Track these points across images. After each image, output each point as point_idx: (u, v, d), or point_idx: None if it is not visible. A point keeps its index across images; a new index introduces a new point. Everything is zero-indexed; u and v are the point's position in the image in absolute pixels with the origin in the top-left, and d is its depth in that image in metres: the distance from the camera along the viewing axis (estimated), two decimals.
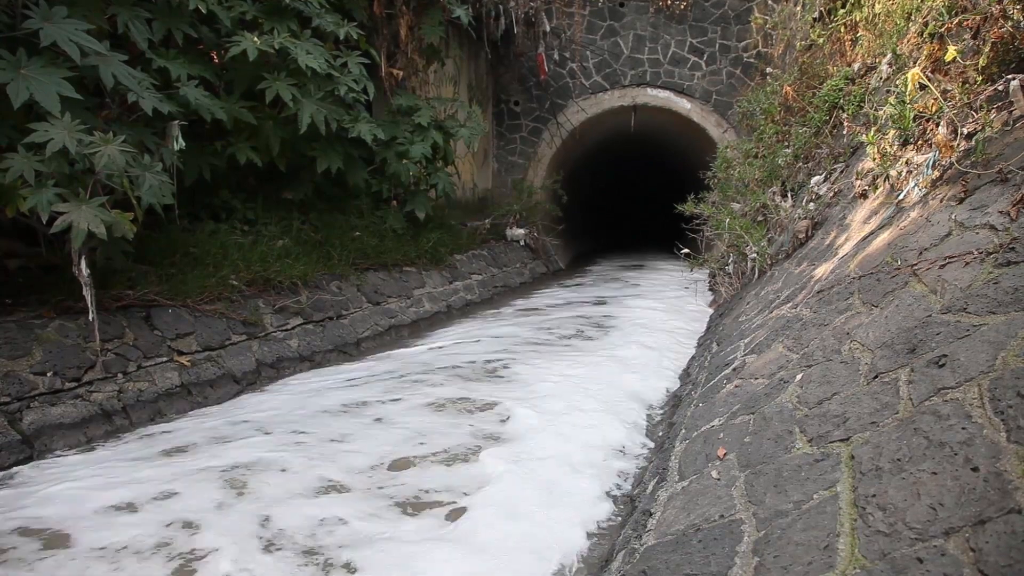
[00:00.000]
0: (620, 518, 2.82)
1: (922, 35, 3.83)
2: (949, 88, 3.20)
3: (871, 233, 3.48)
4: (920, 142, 3.26)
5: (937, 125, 3.01)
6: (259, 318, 5.28)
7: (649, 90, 12.38)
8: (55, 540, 2.69)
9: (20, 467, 3.36)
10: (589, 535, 2.68)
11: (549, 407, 4.11)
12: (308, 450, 3.54)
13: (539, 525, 2.69)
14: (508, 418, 3.99)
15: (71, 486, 3.12)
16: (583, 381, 4.70)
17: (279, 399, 4.55)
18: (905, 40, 4.36)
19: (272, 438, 3.74)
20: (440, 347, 6.10)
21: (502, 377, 5.00)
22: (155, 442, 3.73)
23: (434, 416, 4.10)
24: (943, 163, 2.95)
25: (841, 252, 3.80)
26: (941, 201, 2.83)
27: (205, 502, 2.94)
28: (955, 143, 2.88)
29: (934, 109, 3.11)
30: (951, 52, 3.10)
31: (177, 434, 3.85)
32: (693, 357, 5.38)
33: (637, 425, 3.95)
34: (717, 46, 12.04)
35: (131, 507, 2.92)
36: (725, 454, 2.37)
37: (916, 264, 2.53)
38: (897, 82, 3.70)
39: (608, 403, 4.21)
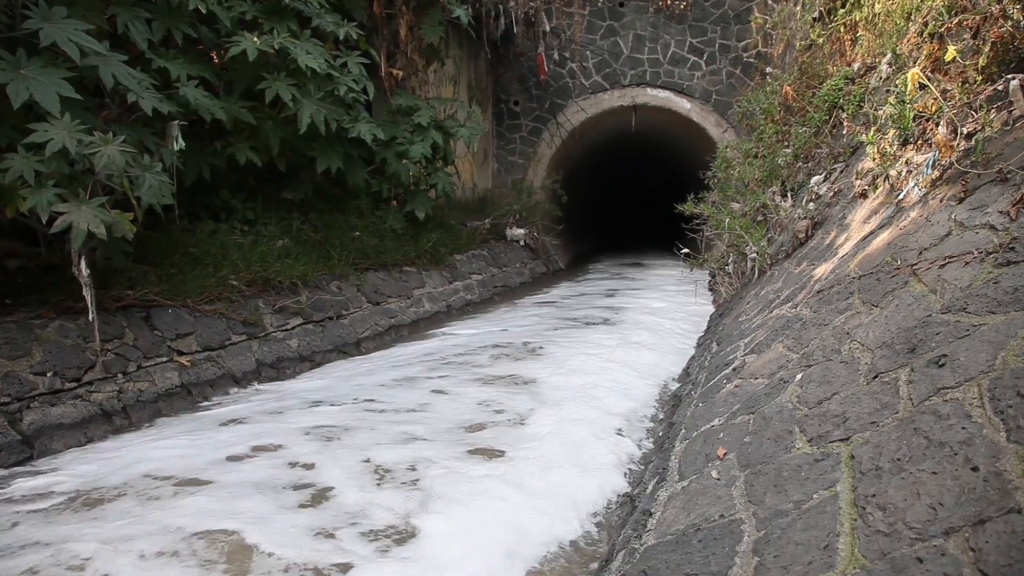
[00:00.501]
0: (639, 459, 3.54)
1: (922, 35, 3.84)
2: (949, 88, 3.20)
3: (871, 233, 3.48)
4: (920, 142, 3.26)
5: (937, 125, 3.01)
6: (259, 318, 5.28)
7: (649, 90, 12.39)
8: (189, 482, 3.12)
9: (100, 442, 3.74)
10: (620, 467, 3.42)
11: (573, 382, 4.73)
12: (385, 415, 4.14)
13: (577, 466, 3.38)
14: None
15: (170, 447, 3.59)
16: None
17: (326, 380, 5.07)
18: (905, 40, 4.36)
19: (345, 408, 4.28)
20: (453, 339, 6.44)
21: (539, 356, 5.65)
22: (221, 416, 4.16)
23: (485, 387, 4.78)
24: (943, 163, 2.95)
25: (841, 252, 3.80)
26: (941, 201, 2.83)
27: (309, 450, 3.50)
28: (955, 143, 2.88)
29: (934, 109, 3.11)
30: (951, 52, 3.10)
31: (239, 409, 4.30)
32: (693, 357, 5.38)
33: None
34: (717, 46, 12.04)
35: (245, 458, 3.44)
36: (725, 454, 2.37)
37: (916, 264, 2.53)
38: (897, 82, 3.70)
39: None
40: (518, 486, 3.09)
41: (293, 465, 3.33)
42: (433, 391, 4.63)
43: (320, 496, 3.01)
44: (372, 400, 4.43)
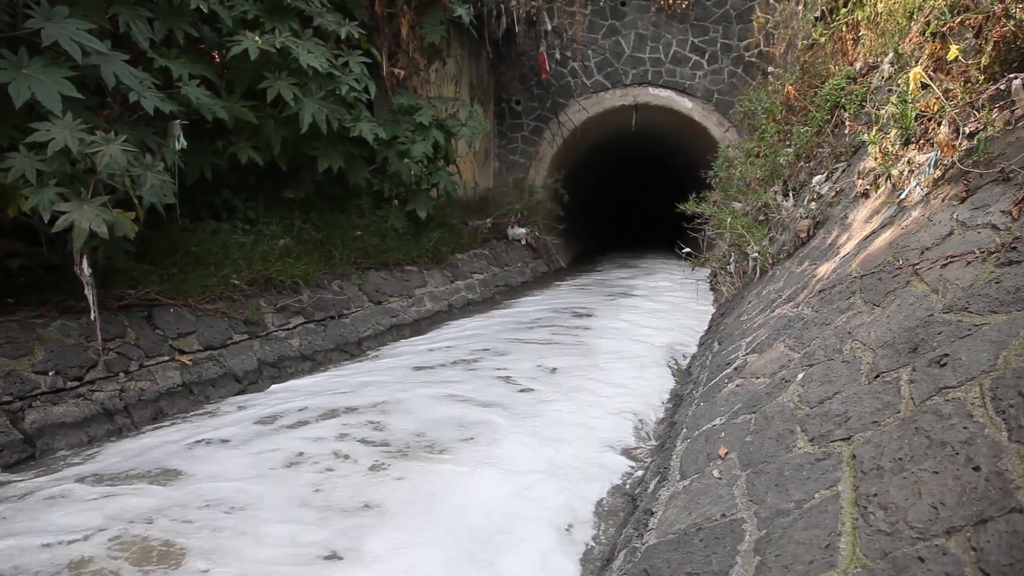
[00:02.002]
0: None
1: (924, 34, 3.83)
2: (951, 87, 3.20)
3: (873, 232, 3.48)
4: (922, 141, 3.25)
5: (939, 124, 3.01)
6: (260, 317, 5.29)
7: (650, 89, 12.38)
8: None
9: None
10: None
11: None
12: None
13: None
14: None
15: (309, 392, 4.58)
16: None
17: (403, 359, 5.65)
18: (907, 39, 4.35)
19: (453, 368, 5.27)
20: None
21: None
22: (297, 394, 4.59)
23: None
24: (945, 162, 2.95)
25: (843, 251, 3.80)
26: (943, 200, 2.82)
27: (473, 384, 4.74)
28: (957, 142, 2.88)
29: (936, 108, 3.11)
30: (953, 51, 3.10)
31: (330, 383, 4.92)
32: (694, 356, 5.38)
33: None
34: (719, 45, 12.04)
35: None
36: (727, 453, 2.37)
37: (918, 263, 2.53)
38: (899, 81, 3.69)
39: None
40: None
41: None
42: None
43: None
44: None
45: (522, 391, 4.61)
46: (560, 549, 2.53)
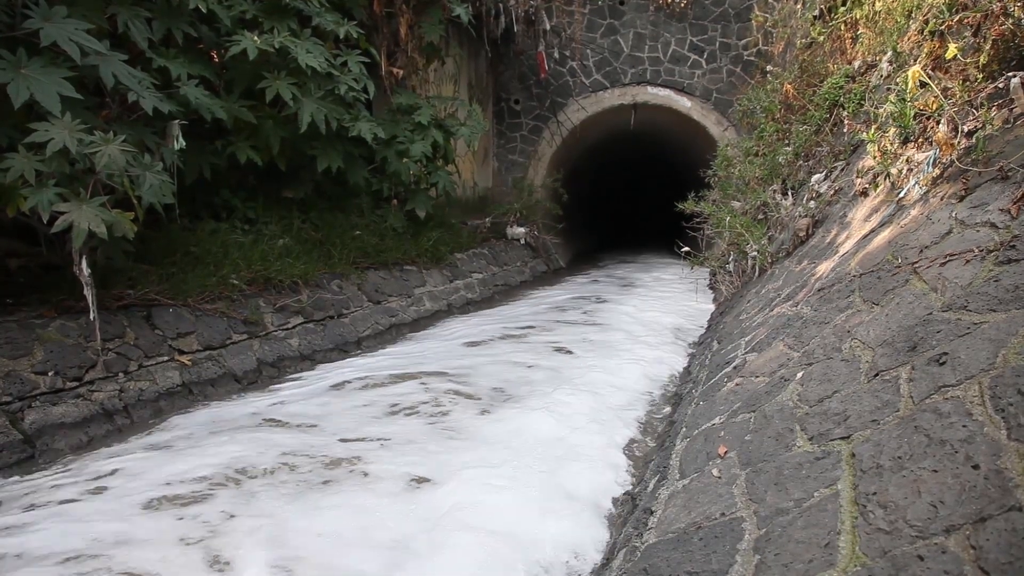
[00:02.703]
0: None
1: (923, 33, 3.83)
2: (950, 86, 3.20)
3: (872, 231, 3.48)
4: (921, 140, 3.25)
5: (938, 123, 3.01)
6: (260, 317, 5.29)
7: (649, 88, 12.38)
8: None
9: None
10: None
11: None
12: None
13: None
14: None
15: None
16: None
17: (433, 342, 6.32)
18: (906, 38, 4.35)
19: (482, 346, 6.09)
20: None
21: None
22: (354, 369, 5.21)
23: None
24: (944, 161, 2.95)
25: (842, 250, 3.80)
26: (942, 199, 2.83)
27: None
28: (956, 141, 2.88)
29: (935, 107, 3.11)
30: (952, 50, 3.10)
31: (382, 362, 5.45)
32: (693, 356, 5.38)
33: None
34: (717, 44, 12.04)
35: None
36: (726, 452, 2.37)
37: (917, 262, 2.53)
38: (898, 80, 3.69)
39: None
40: None
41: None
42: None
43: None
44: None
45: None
46: (605, 461, 3.44)
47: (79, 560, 2.44)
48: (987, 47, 3.07)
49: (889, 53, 5.04)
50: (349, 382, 4.77)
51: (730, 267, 6.67)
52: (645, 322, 7.21)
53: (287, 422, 3.97)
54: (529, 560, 2.46)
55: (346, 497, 2.97)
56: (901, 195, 3.29)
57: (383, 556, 2.49)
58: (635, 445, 3.72)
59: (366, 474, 3.22)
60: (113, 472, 3.24)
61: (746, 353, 3.49)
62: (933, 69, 3.39)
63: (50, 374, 3.75)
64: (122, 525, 2.68)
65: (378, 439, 3.68)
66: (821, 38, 7.67)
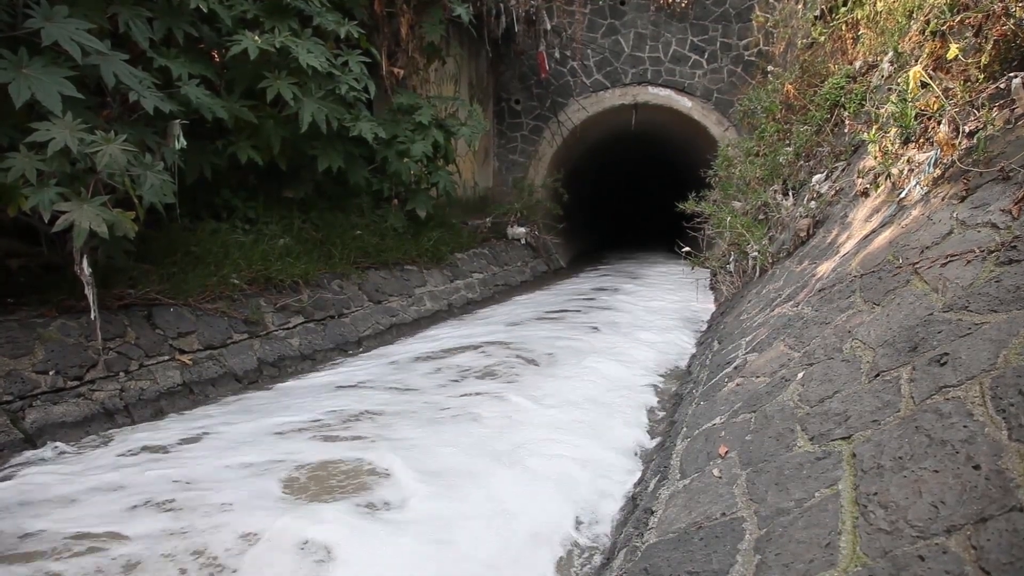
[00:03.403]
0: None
1: (924, 33, 3.83)
2: (951, 86, 3.20)
3: (872, 231, 3.48)
4: (922, 140, 3.25)
5: (939, 123, 3.01)
6: (260, 317, 5.29)
7: (650, 88, 12.37)
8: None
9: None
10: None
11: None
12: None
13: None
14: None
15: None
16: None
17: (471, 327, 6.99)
18: (907, 38, 4.35)
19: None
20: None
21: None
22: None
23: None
24: (945, 161, 2.95)
25: (842, 250, 3.80)
26: (943, 199, 2.83)
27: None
28: (957, 141, 2.88)
29: (936, 107, 3.11)
30: (953, 50, 3.10)
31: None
32: (694, 355, 5.38)
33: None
34: (718, 44, 12.03)
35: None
36: (727, 452, 2.37)
37: (918, 262, 2.53)
38: (899, 80, 3.69)
39: None
40: None
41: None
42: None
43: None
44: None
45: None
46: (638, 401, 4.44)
47: (273, 461, 3.32)
48: (988, 47, 3.07)
49: (890, 53, 5.04)
50: (395, 361, 5.51)
51: (731, 267, 6.67)
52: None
53: (377, 384, 4.78)
54: (605, 444, 3.63)
55: (460, 427, 3.85)
56: (902, 195, 3.28)
57: (499, 458, 3.34)
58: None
59: (471, 412, 4.10)
60: (249, 411, 4.24)
61: (747, 353, 3.49)
62: (934, 69, 3.38)
63: (51, 373, 3.75)
64: (291, 444, 3.56)
65: (465, 393, 4.51)
66: (822, 38, 7.67)
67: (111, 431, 3.81)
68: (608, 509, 2.89)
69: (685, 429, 3.03)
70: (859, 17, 6.69)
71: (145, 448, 3.54)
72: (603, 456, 3.43)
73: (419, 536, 2.56)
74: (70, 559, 2.44)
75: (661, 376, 5.12)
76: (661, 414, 4.22)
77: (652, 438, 3.77)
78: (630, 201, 22.19)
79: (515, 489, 2.97)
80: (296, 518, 2.63)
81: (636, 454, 3.54)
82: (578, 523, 2.77)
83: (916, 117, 3.22)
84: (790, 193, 6.47)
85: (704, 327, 6.59)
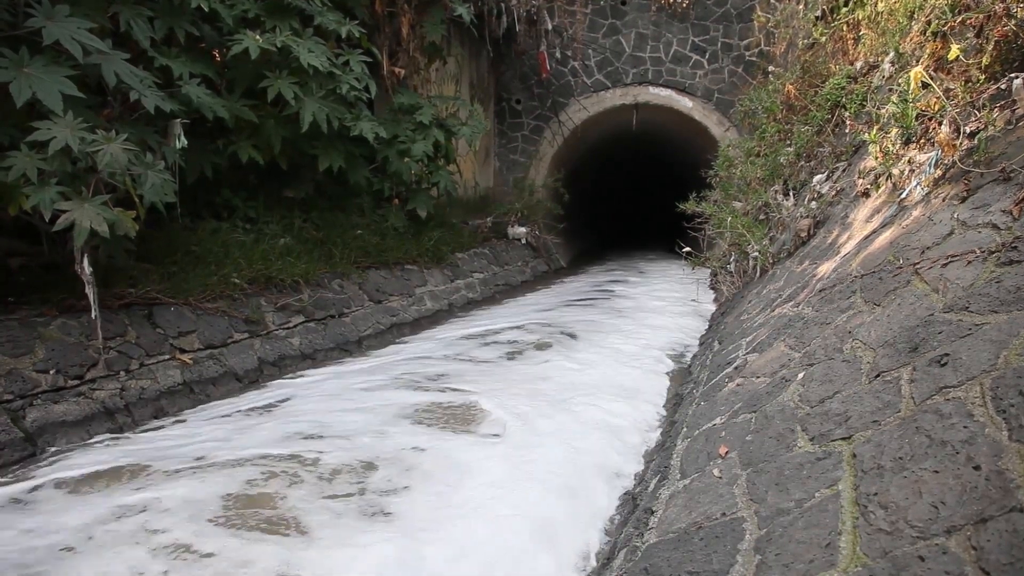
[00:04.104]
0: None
1: (925, 33, 3.83)
2: (952, 87, 3.20)
3: (873, 232, 3.48)
4: (922, 141, 3.25)
5: (940, 124, 3.01)
6: (261, 316, 5.29)
7: (651, 88, 12.37)
8: None
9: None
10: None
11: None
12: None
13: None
14: None
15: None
16: None
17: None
18: (908, 38, 4.35)
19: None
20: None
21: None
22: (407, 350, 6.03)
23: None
24: (945, 162, 2.95)
25: (843, 251, 3.80)
26: (943, 200, 2.83)
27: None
28: (957, 142, 2.88)
29: (936, 108, 3.11)
30: (954, 50, 3.10)
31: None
32: (695, 355, 5.38)
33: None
34: (719, 44, 12.03)
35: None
36: (727, 452, 2.37)
37: (918, 263, 2.53)
38: (900, 81, 3.69)
39: None
40: None
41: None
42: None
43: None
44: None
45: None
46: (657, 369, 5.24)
47: (383, 406, 4.14)
48: (989, 48, 3.07)
49: (891, 54, 5.04)
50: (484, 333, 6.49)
51: (731, 267, 6.67)
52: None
53: (447, 355, 5.60)
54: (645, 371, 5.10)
55: (543, 368, 5.14)
56: (903, 196, 3.28)
57: (581, 389, 4.53)
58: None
59: (546, 359, 5.44)
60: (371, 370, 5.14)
61: (747, 353, 3.49)
62: (935, 70, 3.38)
63: (51, 372, 3.75)
64: (391, 394, 4.39)
65: (530, 361, 5.45)
66: (823, 38, 7.67)
67: (184, 411, 4.26)
68: (635, 440, 3.74)
69: (685, 429, 3.03)
70: (860, 17, 6.69)
71: (252, 408, 4.21)
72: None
73: (520, 451, 3.41)
74: (277, 462, 3.19)
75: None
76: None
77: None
78: (631, 201, 22.18)
79: (590, 415, 4.01)
80: (435, 439, 3.54)
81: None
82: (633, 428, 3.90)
83: (917, 118, 3.23)
84: (791, 193, 6.47)
85: (705, 327, 6.59)
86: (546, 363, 5.29)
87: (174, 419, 4.08)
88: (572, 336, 6.33)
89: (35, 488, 2.99)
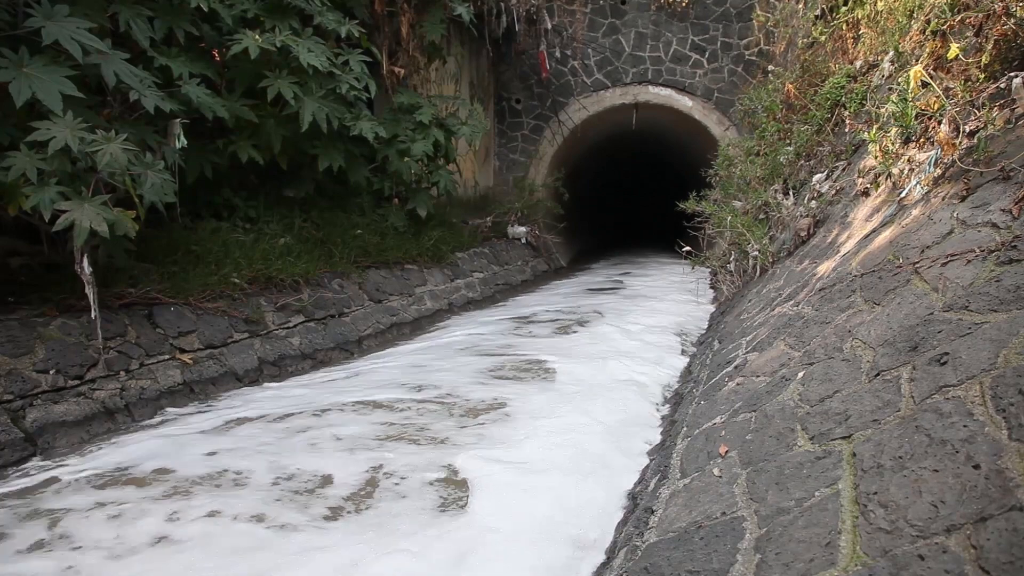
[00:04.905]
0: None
1: (924, 32, 3.83)
2: (951, 86, 3.20)
3: (873, 231, 3.48)
4: (922, 140, 3.25)
5: (939, 123, 3.01)
6: (261, 316, 5.29)
7: (651, 88, 12.37)
8: None
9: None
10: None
11: None
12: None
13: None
14: None
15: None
16: None
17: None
18: (907, 37, 4.35)
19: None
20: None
21: None
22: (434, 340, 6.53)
23: None
24: (945, 161, 2.95)
25: (843, 250, 3.80)
26: (943, 199, 2.83)
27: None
28: (957, 141, 2.88)
29: (936, 107, 3.11)
30: (953, 50, 3.10)
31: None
32: (695, 355, 5.38)
33: None
34: (719, 44, 12.02)
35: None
36: (727, 451, 2.37)
37: (918, 262, 2.53)
38: (899, 80, 3.69)
39: None
40: None
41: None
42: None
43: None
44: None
45: None
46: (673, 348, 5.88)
47: (461, 364, 5.31)
48: (989, 47, 3.07)
49: (891, 53, 5.04)
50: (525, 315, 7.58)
51: (731, 267, 6.67)
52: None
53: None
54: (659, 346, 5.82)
55: (572, 340, 6.17)
56: (902, 195, 3.28)
57: (611, 353, 5.44)
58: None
59: (575, 330, 6.61)
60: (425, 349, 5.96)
61: (747, 353, 3.50)
62: (935, 69, 3.39)
63: (51, 372, 3.75)
64: (466, 358, 5.52)
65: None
66: (823, 38, 7.67)
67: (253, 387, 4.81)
68: (659, 389, 4.61)
69: (685, 428, 3.03)
70: (860, 16, 6.69)
71: (344, 372, 5.22)
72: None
73: (577, 396, 4.32)
74: (385, 395, 4.37)
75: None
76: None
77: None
78: (631, 200, 22.18)
79: (622, 370, 4.94)
80: (514, 384, 4.71)
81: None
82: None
83: (917, 117, 3.23)
84: (791, 192, 6.47)
85: (704, 328, 6.59)
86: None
87: (293, 382, 5.00)
88: (580, 323, 6.97)
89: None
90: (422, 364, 5.27)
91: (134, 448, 3.50)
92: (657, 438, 3.59)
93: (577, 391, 4.41)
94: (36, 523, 2.77)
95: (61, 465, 3.32)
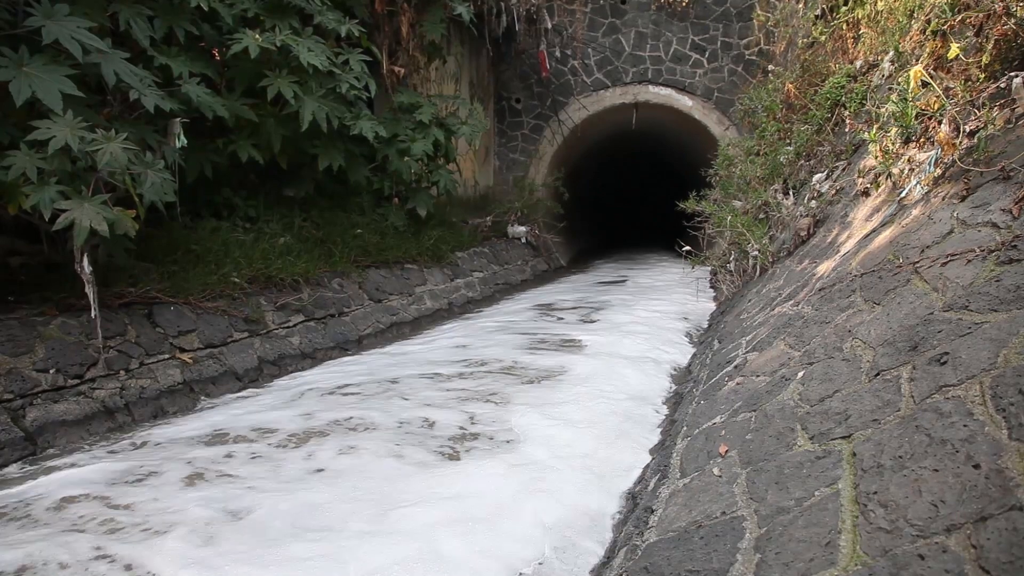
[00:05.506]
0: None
1: (925, 32, 3.83)
2: (951, 85, 3.20)
3: (873, 231, 3.48)
4: (922, 140, 3.25)
5: (939, 123, 3.01)
6: (261, 315, 5.29)
7: (651, 87, 12.37)
8: None
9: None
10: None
11: None
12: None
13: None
14: None
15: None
16: None
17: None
18: (907, 37, 4.35)
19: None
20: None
21: None
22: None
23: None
24: (945, 161, 2.95)
25: (843, 250, 3.80)
26: (943, 199, 2.83)
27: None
28: (957, 141, 2.88)
29: (936, 107, 3.11)
30: (954, 49, 3.10)
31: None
32: (695, 355, 5.38)
33: None
34: (719, 43, 12.02)
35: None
36: (727, 451, 2.37)
37: (918, 262, 2.53)
38: (899, 80, 3.69)
39: None
40: None
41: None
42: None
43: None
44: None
45: None
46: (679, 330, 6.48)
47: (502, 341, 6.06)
48: (989, 47, 3.07)
49: (891, 53, 5.04)
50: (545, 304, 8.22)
51: (731, 266, 6.67)
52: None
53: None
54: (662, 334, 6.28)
55: (583, 329, 6.62)
56: (902, 195, 3.28)
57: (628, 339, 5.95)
58: None
59: (587, 320, 7.16)
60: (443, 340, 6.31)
61: (747, 352, 3.50)
62: (935, 69, 3.39)
63: (51, 372, 3.75)
64: (505, 336, 6.37)
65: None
66: (823, 37, 7.67)
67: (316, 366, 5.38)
68: (669, 361, 5.30)
69: (685, 428, 3.03)
70: (860, 16, 6.69)
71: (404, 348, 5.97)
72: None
73: (605, 361, 5.18)
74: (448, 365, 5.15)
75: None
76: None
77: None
78: (631, 200, 22.19)
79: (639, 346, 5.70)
80: (552, 354, 5.52)
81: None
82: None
83: (917, 116, 3.23)
84: (791, 192, 6.47)
85: (705, 325, 6.59)
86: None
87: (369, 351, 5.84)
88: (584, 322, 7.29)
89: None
90: (465, 346, 5.90)
91: (199, 423, 3.96)
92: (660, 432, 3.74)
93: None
94: (176, 464, 3.20)
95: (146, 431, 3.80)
